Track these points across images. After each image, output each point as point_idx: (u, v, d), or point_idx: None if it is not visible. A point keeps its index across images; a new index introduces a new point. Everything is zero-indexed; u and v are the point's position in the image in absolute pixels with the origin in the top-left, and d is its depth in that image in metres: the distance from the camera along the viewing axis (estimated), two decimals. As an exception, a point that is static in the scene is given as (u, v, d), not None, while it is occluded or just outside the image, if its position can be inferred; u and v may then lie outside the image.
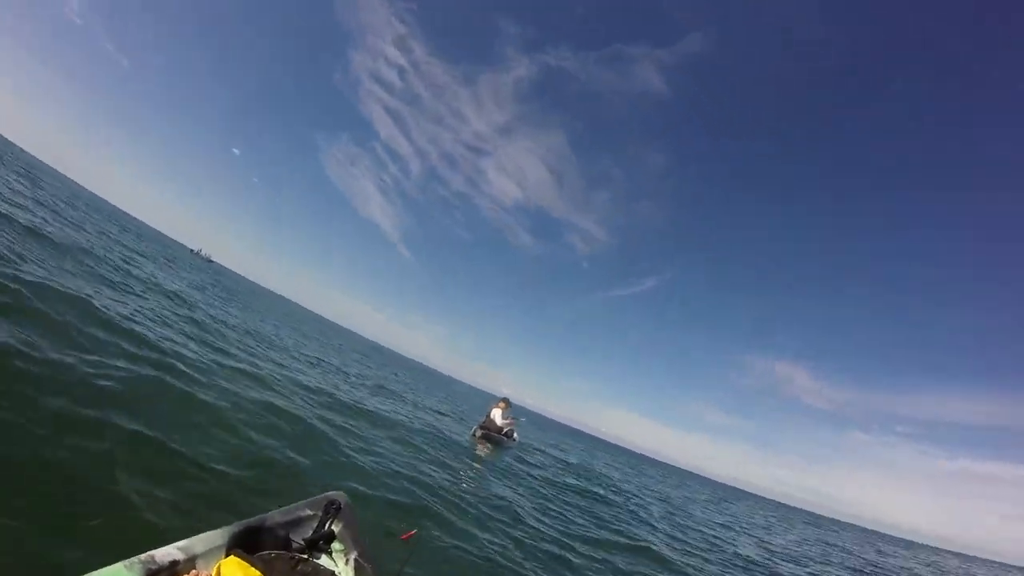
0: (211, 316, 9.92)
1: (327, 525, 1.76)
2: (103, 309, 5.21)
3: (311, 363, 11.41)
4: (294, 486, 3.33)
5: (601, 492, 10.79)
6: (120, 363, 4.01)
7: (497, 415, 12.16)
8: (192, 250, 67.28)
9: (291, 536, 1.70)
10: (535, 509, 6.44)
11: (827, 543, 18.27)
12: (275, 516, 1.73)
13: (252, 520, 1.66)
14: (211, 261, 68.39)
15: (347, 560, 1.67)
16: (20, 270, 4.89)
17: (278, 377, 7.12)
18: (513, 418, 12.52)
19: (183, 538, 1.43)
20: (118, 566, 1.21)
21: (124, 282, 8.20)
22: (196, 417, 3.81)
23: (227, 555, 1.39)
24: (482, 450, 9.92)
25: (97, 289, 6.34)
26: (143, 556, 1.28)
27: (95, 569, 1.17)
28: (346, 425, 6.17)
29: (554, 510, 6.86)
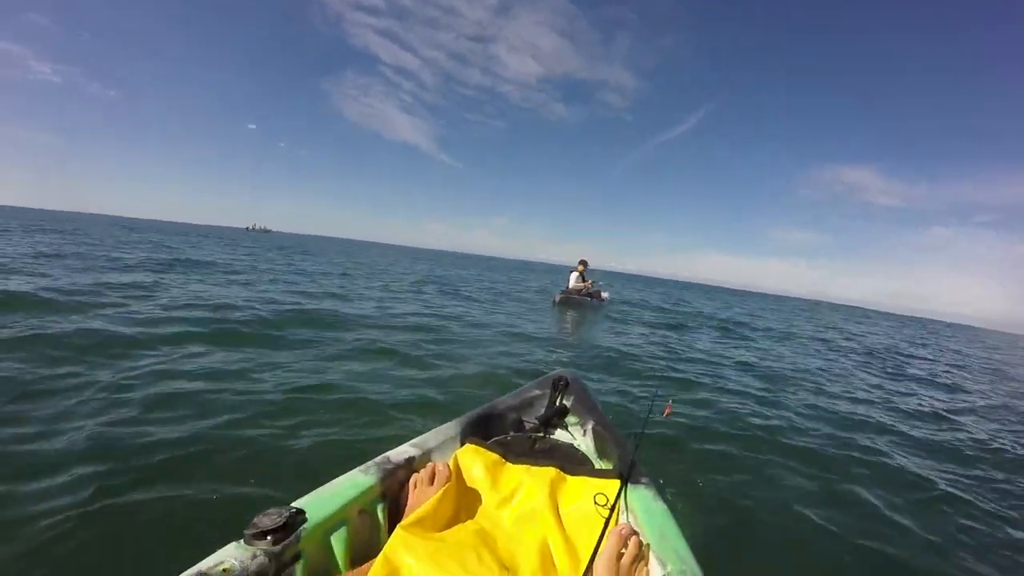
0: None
1: (558, 401, 1.75)
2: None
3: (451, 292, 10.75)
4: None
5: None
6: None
7: (573, 278, 11.87)
8: (247, 228, 71.08)
9: (523, 417, 1.71)
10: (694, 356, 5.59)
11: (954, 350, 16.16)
12: (505, 400, 1.76)
13: (482, 408, 1.68)
14: (268, 231, 72.11)
15: (584, 431, 1.65)
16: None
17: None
18: (591, 280, 12.08)
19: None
20: (353, 472, 1.18)
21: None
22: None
23: (462, 444, 1.41)
24: (568, 315, 9.42)
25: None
26: (378, 458, 1.26)
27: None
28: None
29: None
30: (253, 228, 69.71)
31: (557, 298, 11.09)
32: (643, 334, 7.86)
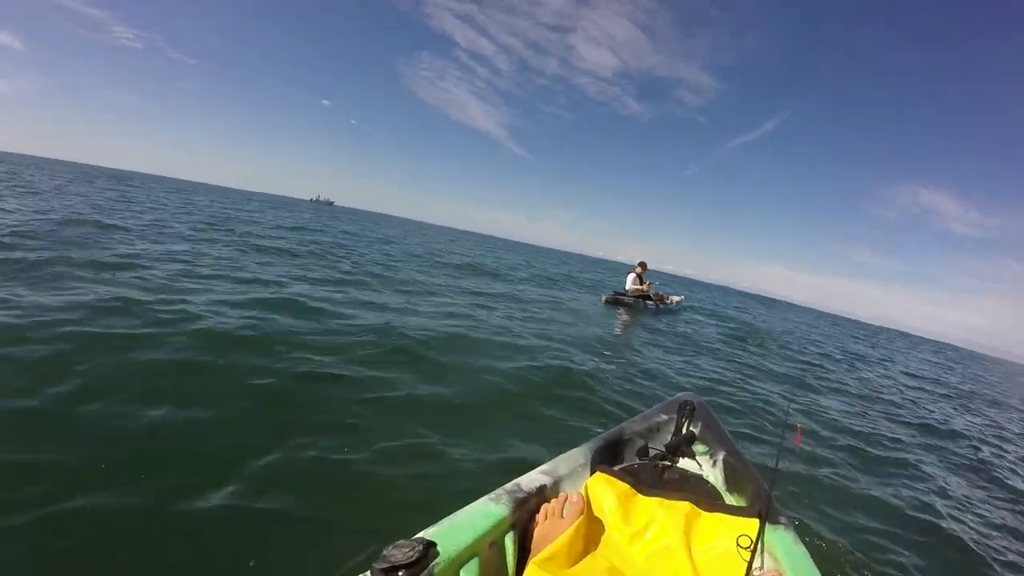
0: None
1: (685, 427, 1.70)
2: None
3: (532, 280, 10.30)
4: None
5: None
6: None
7: (630, 280, 11.01)
8: (311, 199, 74.65)
9: (650, 444, 1.63)
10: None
11: None
12: (632, 426, 1.69)
13: (610, 433, 1.62)
14: (331, 203, 75.09)
15: (714, 461, 1.56)
16: None
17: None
18: (649, 282, 11.20)
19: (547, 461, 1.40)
20: (483, 500, 1.13)
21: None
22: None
23: (592, 472, 1.39)
24: (617, 318, 8.42)
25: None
26: (508, 486, 1.21)
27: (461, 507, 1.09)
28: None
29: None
30: (317, 199, 72.50)
31: (606, 297, 10.55)
32: (716, 349, 6.79)
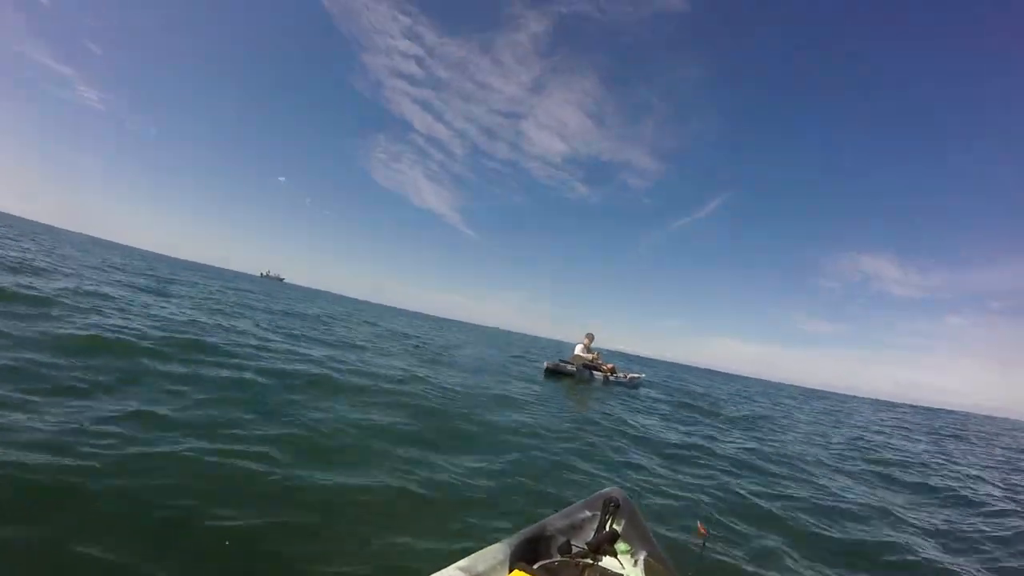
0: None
1: (608, 525, 1.63)
2: None
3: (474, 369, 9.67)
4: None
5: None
6: None
7: (578, 348, 10.75)
8: (261, 274, 72.46)
9: (572, 541, 1.52)
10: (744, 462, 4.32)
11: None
12: (554, 522, 1.65)
13: (531, 529, 1.60)
14: (281, 279, 72.95)
15: (635, 561, 1.57)
16: None
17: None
18: (597, 353, 11.12)
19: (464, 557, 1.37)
20: None
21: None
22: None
23: (510, 569, 1.36)
24: (559, 388, 7.88)
25: None
26: None
27: None
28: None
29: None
30: (267, 275, 70.69)
31: (547, 364, 10.05)
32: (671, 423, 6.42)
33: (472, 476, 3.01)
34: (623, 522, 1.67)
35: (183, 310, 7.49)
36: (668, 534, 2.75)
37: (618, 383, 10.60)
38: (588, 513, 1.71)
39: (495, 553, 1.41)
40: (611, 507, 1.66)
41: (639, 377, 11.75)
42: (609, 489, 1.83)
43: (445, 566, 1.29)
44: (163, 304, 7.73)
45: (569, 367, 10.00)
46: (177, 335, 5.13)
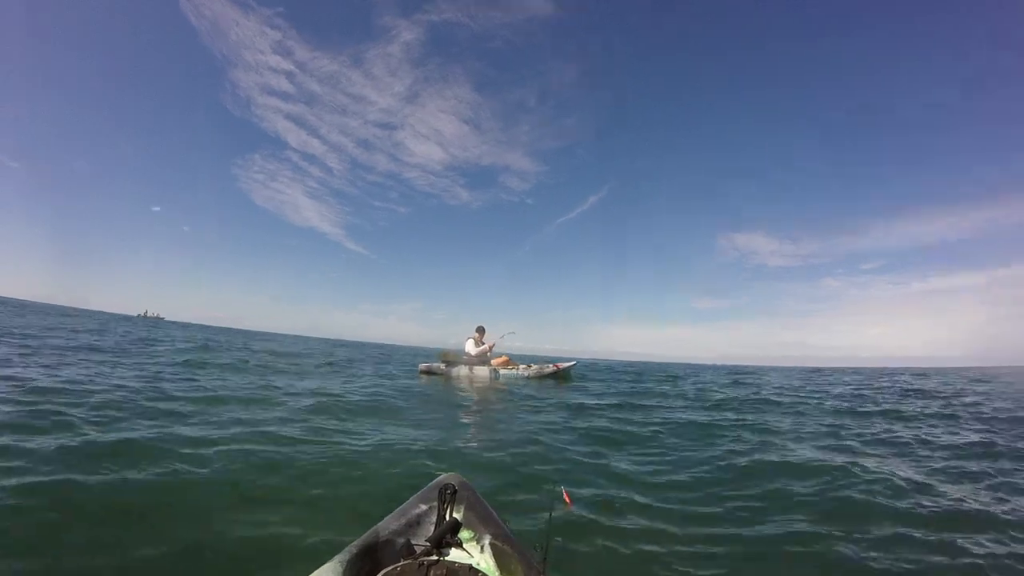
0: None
1: (448, 514, 1.49)
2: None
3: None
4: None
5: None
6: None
7: (469, 345, 10.59)
8: (139, 314, 64.49)
9: (412, 540, 1.42)
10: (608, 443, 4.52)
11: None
12: (389, 523, 1.47)
13: (363, 538, 1.41)
14: (160, 318, 65.41)
15: (482, 547, 1.41)
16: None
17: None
18: (492, 343, 10.73)
19: None
20: None
21: None
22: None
23: None
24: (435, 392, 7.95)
25: None
26: None
27: None
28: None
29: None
30: (145, 315, 63.90)
31: (422, 367, 9.99)
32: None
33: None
34: (462, 508, 1.52)
35: None
36: (530, 502, 2.73)
37: (522, 377, 10.31)
38: (424, 506, 1.55)
39: (326, 574, 1.23)
40: (447, 494, 1.53)
41: (557, 368, 11.13)
42: (444, 476, 1.66)
43: None
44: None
45: (440, 367, 10.03)
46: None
